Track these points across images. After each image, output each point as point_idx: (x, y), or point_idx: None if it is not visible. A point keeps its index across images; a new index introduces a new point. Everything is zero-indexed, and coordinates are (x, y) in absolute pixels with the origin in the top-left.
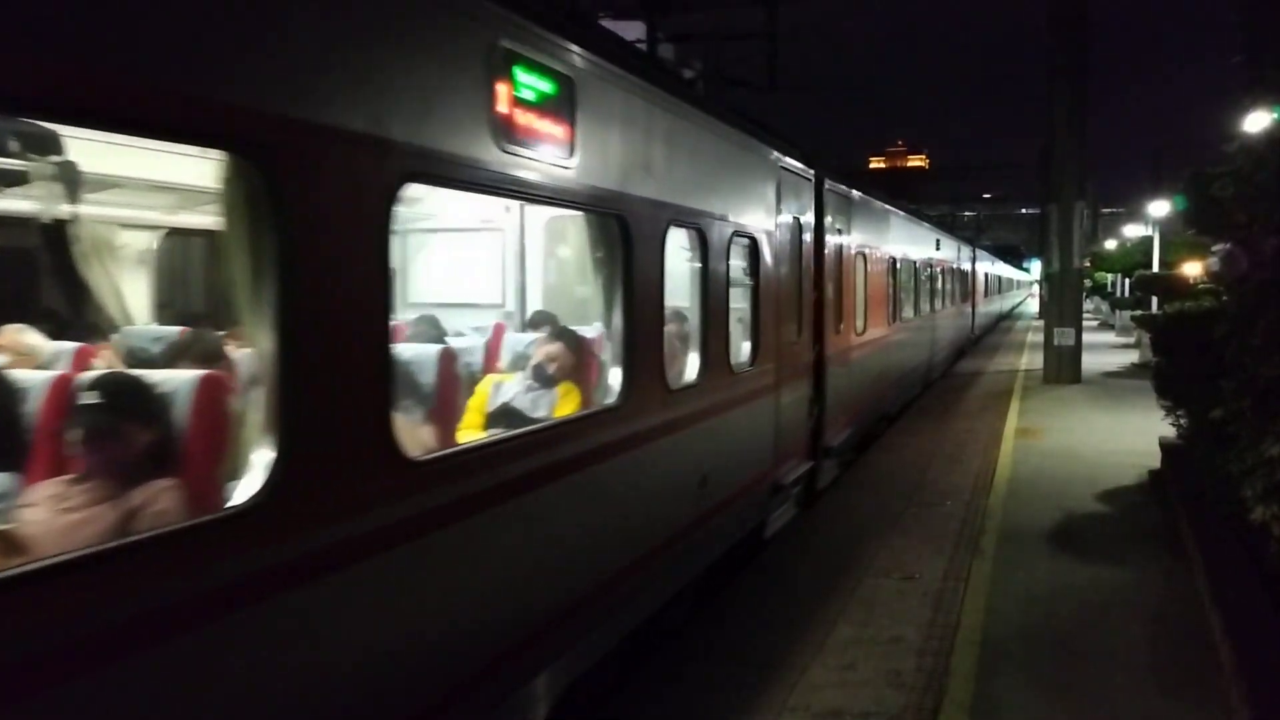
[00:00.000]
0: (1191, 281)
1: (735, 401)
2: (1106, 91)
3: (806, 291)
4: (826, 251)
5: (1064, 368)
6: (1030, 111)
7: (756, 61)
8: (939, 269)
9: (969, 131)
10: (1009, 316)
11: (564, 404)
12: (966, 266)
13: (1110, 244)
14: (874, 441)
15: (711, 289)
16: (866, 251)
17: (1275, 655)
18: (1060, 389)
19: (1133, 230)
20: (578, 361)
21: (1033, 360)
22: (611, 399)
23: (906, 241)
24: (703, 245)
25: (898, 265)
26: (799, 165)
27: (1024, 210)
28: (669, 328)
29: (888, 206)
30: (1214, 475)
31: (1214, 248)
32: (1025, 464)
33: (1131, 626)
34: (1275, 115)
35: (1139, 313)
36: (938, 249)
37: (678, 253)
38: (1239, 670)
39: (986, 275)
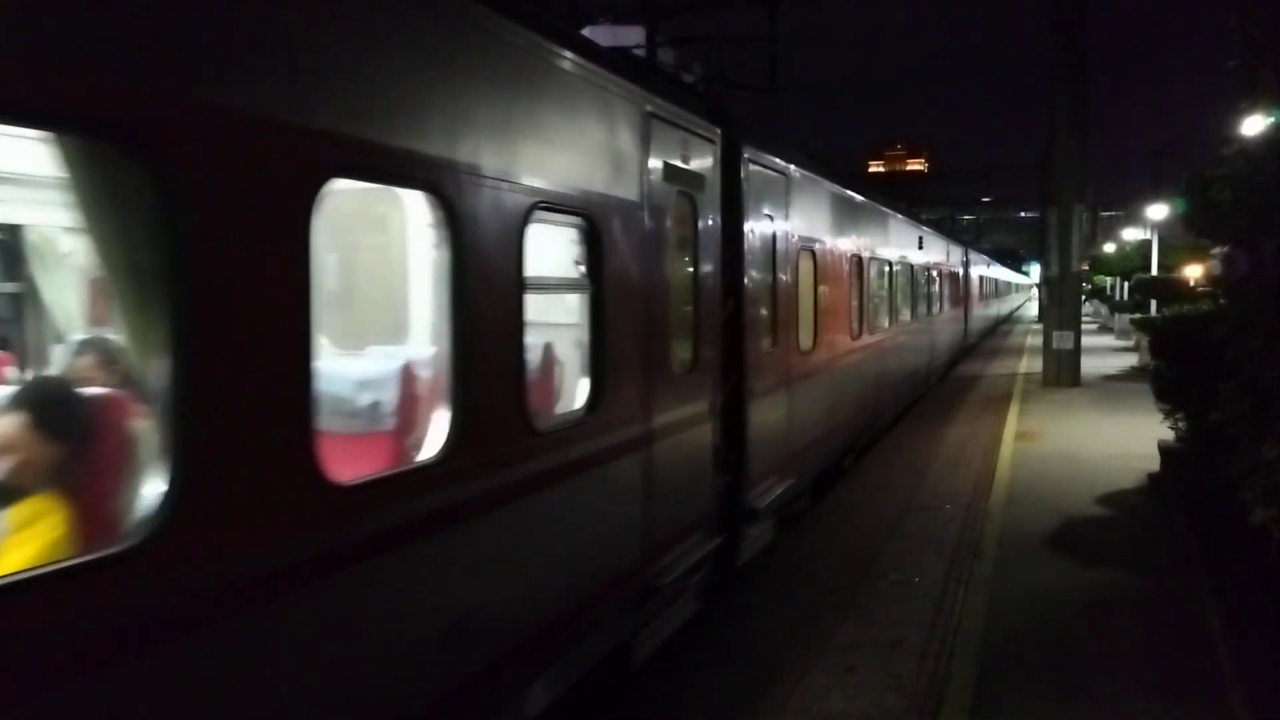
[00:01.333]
0: (1192, 284)
1: (545, 478)
2: (1107, 94)
3: (711, 299)
4: (750, 245)
5: (1063, 371)
6: (1030, 115)
7: (757, 65)
8: (924, 270)
9: (969, 135)
10: (1009, 320)
11: (21, 542)
12: (958, 268)
13: (1109, 247)
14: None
15: (475, 297)
16: (818, 247)
17: (1275, 658)
18: (1059, 392)
19: (1132, 233)
20: (70, 449)
21: (1032, 364)
22: (145, 528)
23: (879, 238)
24: (451, 221)
25: (866, 266)
26: (692, 119)
27: (1023, 214)
28: (350, 366)
29: (851, 194)
30: (1213, 478)
31: (1213, 251)
32: (1025, 467)
33: (1131, 629)
34: (1272, 119)
35: (1138, 316)
36: (921, 248)
37: (383, 232)
38: (1239, 673)
39: (982, 278)
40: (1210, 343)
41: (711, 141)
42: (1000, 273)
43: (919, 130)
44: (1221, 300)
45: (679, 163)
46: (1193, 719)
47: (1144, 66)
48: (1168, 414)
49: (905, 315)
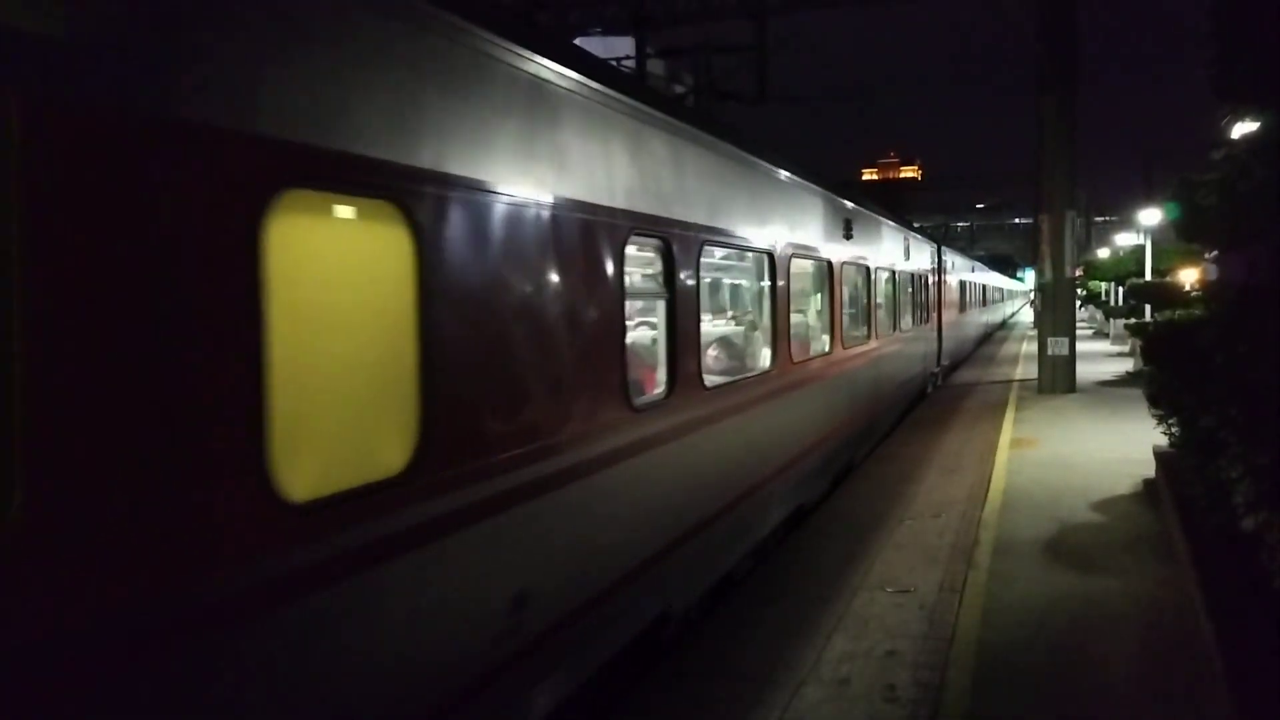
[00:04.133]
0: (1187, 289)
1: None
2: (1099, 99)
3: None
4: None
5: (1058, 377)
6: (1023, 121)
7: (747, 75)
8: (859, 271)
9: (962, 142)
10: (1003, 327)
11: None
12: (925, 272)
13: (1103, 252)
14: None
15: None
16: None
17: (1267, 664)
18: (1055, 399)
19: (1125, 239)
20: None
21: (1027, 370)
22: None
23: (759, 218)
24: None
25: (690, 255)
26: None
27: (1017, 220)
28: None
29: (662, 115)
30: (1206, 483)
31: (1207, 255)
32: (1020, 474)
33: (1125, 636)
34: (1259, 123)
35: (1132, 321)
36: (848, 237)
37: None
38: (1231, 679)
39: (963, 284)
40: (1200, 348)
41: None
42: (989, 277)
43: (911, 138)
44: (1211, 305)
45: None
46: None
47: (1142, 69)
48: (1161, 419)
49: (821, 341)
